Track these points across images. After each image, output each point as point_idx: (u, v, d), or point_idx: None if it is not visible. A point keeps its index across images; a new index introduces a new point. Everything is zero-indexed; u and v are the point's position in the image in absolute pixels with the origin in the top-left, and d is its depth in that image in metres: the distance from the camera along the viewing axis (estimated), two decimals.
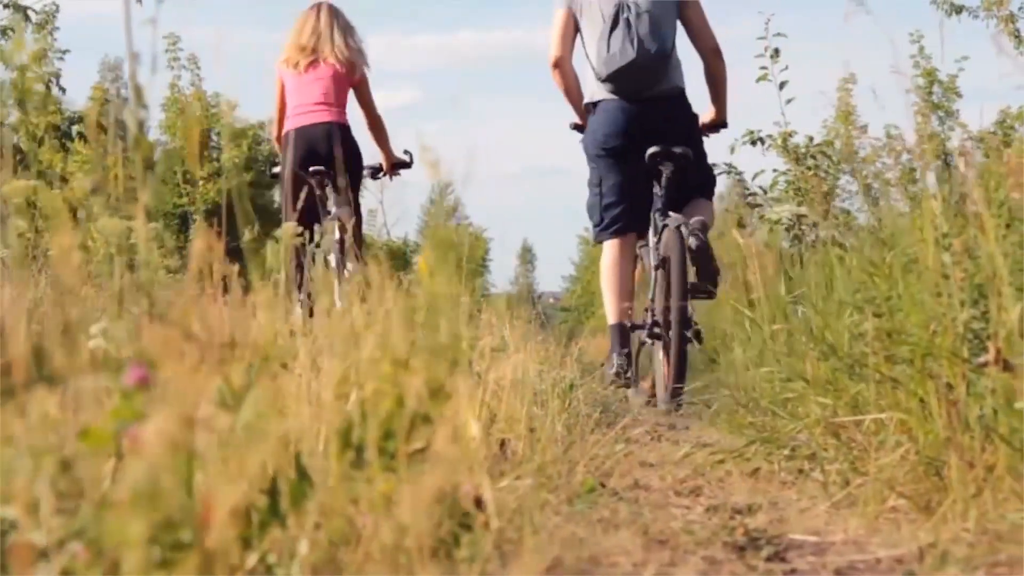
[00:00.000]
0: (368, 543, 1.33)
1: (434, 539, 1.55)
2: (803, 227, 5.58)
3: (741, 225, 6.31)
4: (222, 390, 1.33)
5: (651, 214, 4.35)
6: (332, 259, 4.33)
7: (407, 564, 1.53)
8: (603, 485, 2.89)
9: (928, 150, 2.89)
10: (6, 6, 11.06)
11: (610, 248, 4.50)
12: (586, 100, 4.50)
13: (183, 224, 14.12)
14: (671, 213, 4.21)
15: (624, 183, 4.37)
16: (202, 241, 1.56)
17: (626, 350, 4.65)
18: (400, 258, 19.45)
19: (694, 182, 4.39)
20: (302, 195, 3.48)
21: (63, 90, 10.41)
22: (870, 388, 2.86)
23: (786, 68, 6.22)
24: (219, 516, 1.26)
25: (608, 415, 4.91)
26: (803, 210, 5.26)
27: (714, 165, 5.65)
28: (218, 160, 14.22)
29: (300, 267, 3.43)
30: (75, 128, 10.28)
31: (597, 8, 4.33)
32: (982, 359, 2.32)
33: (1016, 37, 13.44)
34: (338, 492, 1.30)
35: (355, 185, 4.92)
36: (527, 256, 42.53)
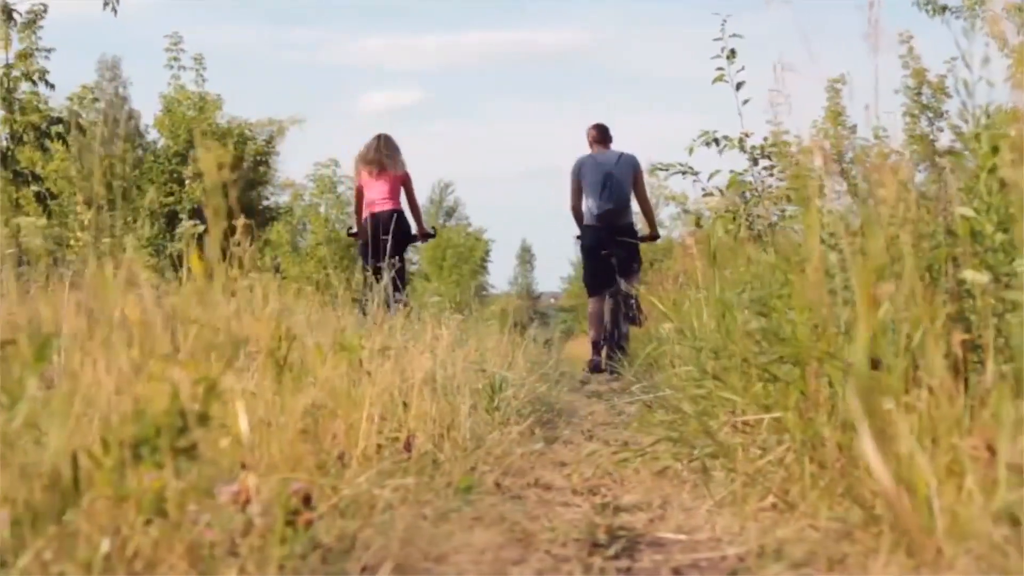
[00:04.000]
0: (137, 540, 1.34)
1: (230, 535, 1.55)
2: (756, 225, 5.56)
3: (699, 224, 6.32)
4: None
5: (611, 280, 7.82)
6: (388, 288, 6.69)
7: (208, 561, 1.54)
8: (498, 485, 2.90)
9: (817, 147, 2.88)
10: None
11: (592, 300, 8.17)
12: (583, 222, 8.06)
13: (170, 223, 14.14)
14: (620, 279, 7.60)
15: (597, 267, 7.93)
16: None
17: (598, 355, 7.97)
18: None
19: (633, 266, 7.90)
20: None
21: (51, 86, 10.45)
22: (769, 387, 2.87)
23: (742, 69, 6.19)
24: None
25: (549, 414, 4.93)
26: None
27: (670, 166, 6.23)
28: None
29: (370, 287, 6.22)
30: (54, 128, 10.28)
31: (591, 175, 7.90)
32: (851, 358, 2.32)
33: (1002, 40, 13.37)
34: (108, 490, 1.31)
35: (404, 247, 7.97)
36: (526, 256, 42.39)
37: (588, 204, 7.92)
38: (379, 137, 7.99)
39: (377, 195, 7.69)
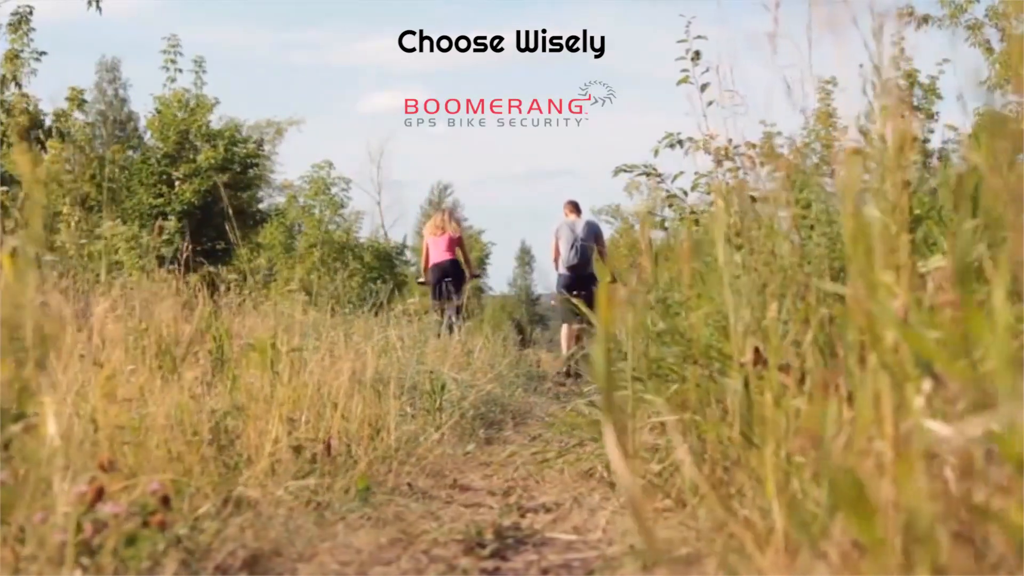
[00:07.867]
0: None
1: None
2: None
3: (664, 227, 6.31)
4: None
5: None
6: (451, 314, 9.31)
7: (46, 563, 1.54)
8: (410, 486, 2.90)
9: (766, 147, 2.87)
10: None
11: (565, 325, 10.77)
12: (558, 270, 10.65)
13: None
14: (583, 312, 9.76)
15: (568, 302, 9.23)
16: None
17: (567, 367, 10.01)
18: (386, 260, 19.45)
19: (594, 301, 9.72)
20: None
21: (19, 85, 10.60)
22: (682, 388, 2.87)
23: (706, 71, 6.17)
24: None
25: (502, 415, 4.92)
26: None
27: (634, 167, 6.21)
28: (195, 160, 14.26)
29: (442, 312, 8.93)
30: (40, 132, 10.34)
31: (565, 237, 10.49)
32: (744, 358, 2.32)
33: (987, 49, 13.38)
34: None
35: (461, 286, 10.36)
36: (526, 258, 42.24)
37: (562, 258, 10.72)
38: (443, 210, 11.66)
39: (438, 250, 10.78)
